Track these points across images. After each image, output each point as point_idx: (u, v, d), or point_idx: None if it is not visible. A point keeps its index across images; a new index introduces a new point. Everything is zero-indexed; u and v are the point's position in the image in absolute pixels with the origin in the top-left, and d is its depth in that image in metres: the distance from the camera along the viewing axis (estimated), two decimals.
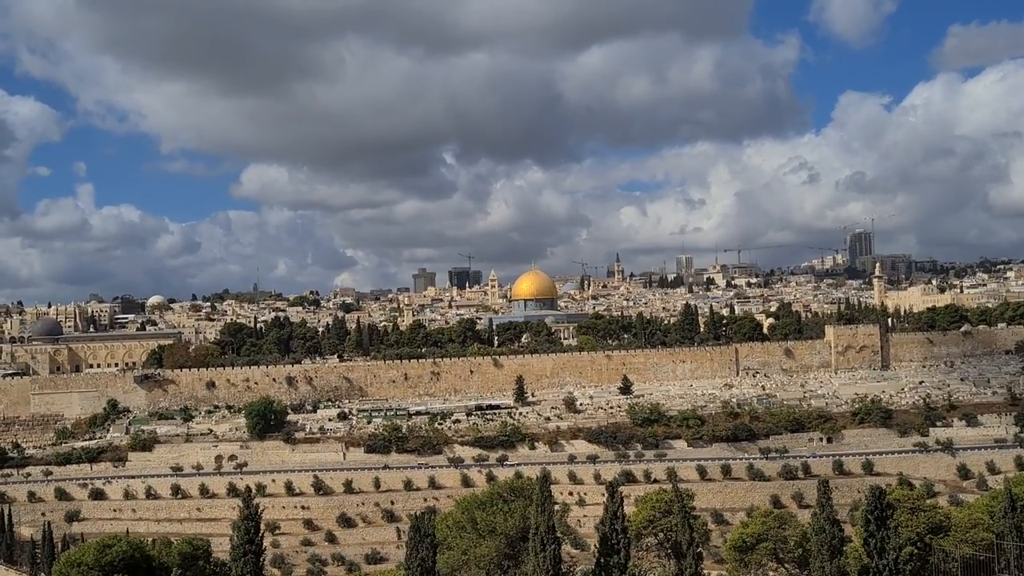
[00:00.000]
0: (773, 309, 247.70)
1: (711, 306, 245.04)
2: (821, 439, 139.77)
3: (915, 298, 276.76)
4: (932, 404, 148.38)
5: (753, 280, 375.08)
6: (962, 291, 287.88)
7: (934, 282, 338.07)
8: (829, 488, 49.80)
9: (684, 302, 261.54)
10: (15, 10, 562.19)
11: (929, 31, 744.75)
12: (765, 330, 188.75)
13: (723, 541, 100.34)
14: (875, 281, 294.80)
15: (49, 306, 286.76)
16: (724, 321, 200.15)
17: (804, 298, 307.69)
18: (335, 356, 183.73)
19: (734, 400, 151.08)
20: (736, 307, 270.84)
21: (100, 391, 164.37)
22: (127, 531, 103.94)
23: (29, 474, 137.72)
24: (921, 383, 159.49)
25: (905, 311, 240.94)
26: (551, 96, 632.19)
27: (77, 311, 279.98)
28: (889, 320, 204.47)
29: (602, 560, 42.71)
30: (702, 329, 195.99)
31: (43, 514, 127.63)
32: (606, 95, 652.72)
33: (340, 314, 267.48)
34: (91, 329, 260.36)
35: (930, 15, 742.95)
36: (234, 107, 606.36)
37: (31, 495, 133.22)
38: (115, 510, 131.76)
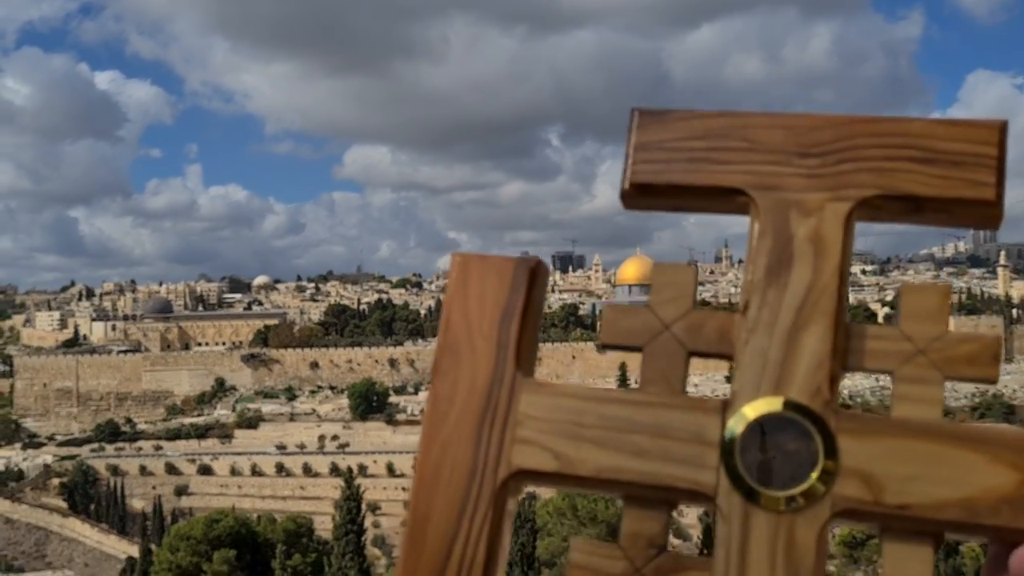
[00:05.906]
0: (889, 298, 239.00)
1: None
2: None
3: None
4: None
5: (869, 267, 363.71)
6: None
7: None
8: None
9: None
10: None
11: None
12: (880, 320, 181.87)
13: (832, 536, 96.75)
14: (1000, 270, 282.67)
15: (160, 285, 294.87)
16: None
17: None
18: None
19: (846, 391, 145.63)
20: (850, 295, 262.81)
21: (208, 369, 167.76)
22: (233, 507, 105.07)
23: (140, 448, 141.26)
24: None
25: None
26: (658, 75, 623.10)
27: (187, 290, 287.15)
28: (1014, 311, 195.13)
29: (704, 551, 40.50)
30: None
31: (153, 487, 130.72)
32: (716, 74, 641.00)
33: (442, 297, 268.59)
34: (199, 308, 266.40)
35: None
36: (339, 88, 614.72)
37: (142, 468, 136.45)
38: (222, 486, 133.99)
